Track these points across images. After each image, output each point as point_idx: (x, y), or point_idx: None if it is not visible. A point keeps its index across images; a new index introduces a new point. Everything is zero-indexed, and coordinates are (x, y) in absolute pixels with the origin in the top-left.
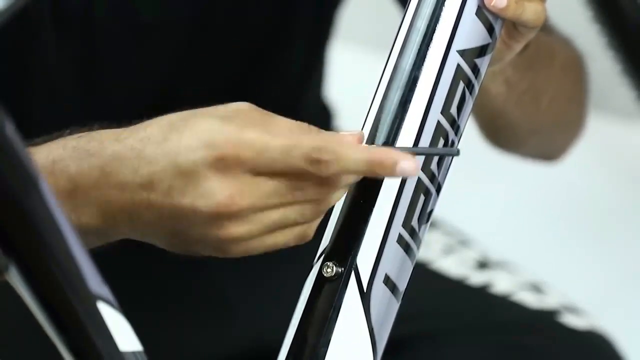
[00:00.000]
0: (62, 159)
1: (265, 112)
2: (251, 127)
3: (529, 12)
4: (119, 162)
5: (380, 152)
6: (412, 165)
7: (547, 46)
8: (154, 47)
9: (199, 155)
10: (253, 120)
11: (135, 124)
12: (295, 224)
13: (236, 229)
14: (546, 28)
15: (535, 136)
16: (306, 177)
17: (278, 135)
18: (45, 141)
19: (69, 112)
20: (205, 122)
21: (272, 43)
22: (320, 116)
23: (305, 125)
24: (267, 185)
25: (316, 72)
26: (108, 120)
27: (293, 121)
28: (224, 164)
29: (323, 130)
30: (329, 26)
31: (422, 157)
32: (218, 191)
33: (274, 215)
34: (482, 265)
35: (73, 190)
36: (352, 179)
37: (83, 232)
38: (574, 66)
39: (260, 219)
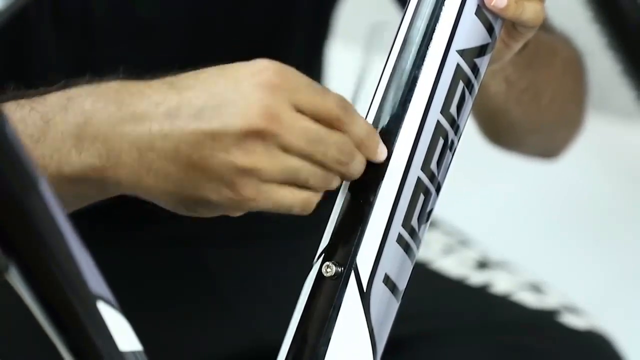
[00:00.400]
0: (79, 95)
1: None
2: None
3: (529, 12)
4: (141, 96)
5: (374, 132)
6: (384, 154)
7: (548, 45)
8: (153, 46)
9: (246, 72)
10: None
11: None
12: (305, 183)
13: (259, 159)
14: (546, 27)
15: (535, 134)
16: (331, 137)
17: None
18: (62, 88)
19: None
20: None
21: (271, 43)
22: None
23: None
24: (301, 123)
25: (315, 71)
26: None
27: None
28: (271, 86)
29: None
30: (328, 25)
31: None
32: (257, 107)
33: (292, 162)
34: (482, 265)
35: (83, 123)
36: (355, 163)
37: (80, 179)
38: (574, 64)
39: (281, 160)
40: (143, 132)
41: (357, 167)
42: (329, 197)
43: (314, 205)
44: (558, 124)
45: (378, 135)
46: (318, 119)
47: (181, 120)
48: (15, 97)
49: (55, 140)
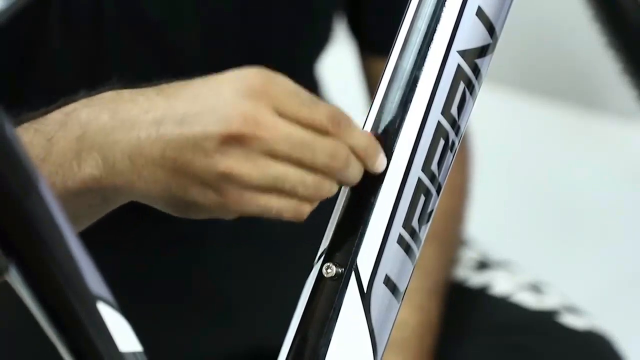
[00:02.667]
0: (76, 108)
1: None
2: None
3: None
4: (133, 104)
5: (377, 145)
6: (383, 165)
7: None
8: (163, 47)
9: (229, 79)
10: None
11: None
12: (293, 191)
13: (239, 164)
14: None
15: None
16: (319, 141)
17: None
18: (61, 105)
19: None
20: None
21: (282, 43)
22: None
23: None
24: (283, 128)
25: (317, 75)
26: None
27: None
28: (252, 92)
29: None
30: (334, 29)
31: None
32: (237, 112)
33: (278, 168)
34: (482, 265)
35: (81, 135)
36: (352, 168)
37: (83, 191)
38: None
39: (264, 166)
40: (132, 138)
41: (354, 174)
42: (330, 198)
43: (306, 214)
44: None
45: (378, 145)
46: (305, 127)
47: (166, 127)
48: (19, 122)
49: (58, 157)
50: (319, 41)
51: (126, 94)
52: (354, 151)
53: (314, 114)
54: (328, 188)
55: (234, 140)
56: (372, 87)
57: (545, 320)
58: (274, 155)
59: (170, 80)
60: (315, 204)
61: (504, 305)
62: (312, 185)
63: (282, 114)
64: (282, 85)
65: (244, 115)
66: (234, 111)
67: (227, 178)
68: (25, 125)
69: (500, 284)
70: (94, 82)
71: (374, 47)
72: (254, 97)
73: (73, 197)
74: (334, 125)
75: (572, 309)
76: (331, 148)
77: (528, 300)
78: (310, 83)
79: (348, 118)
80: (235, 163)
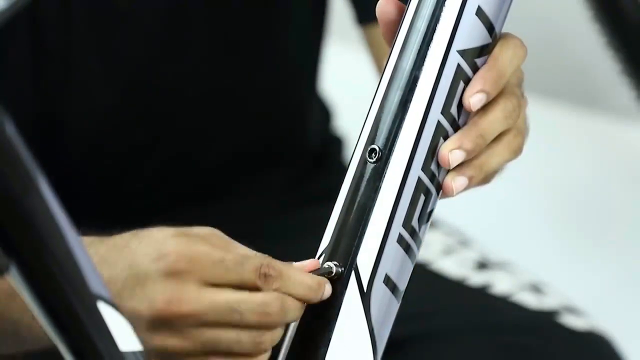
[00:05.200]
0: None
1: (227, 237)
2: (204, 242)
3: (496, 158)
4: None
5: (318, 281)
6: (329, 293)
7: None
8: (131, 37)
9: (153, 262)
10: (211, 241)
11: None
12: (229, 351)
13: (170, 341)
14: None
15: None
16: (247, 302)
17: (230, 251)
18: None
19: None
20: (162, 232)
21: (253, 35)
22: (319, 115)
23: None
24: (207, 299)
25: (307, 71)
26: (81, 105)
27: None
28: (175, 272)
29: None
30: (320, 22)
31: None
32: (159, 296)
33: (208, 335)
34: (482, 265)
35: None
36: (290, 314)
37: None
38: None
39: (194, 336)
40: None
41: (293, 317)
42: (329, 198)
43: None
44: None
45: (314, 280)
46: (236, 288)
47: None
48: None
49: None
50: (306, 32)
51: None
52: (291, 295)
53: (241, 274)
54: (269, 338)
55: (160, 321)
56: (376, 55)
57: (545, 320)
58: (201, 324)
59: None
60: (267, 354)
61: (504, 305)
62: (248, 341)
63: (208, 283)
64: (204, 255)
65: (167, 297)
66: (157, 294)
67: (162, 349)
68: None
69: (500, 284)
70: (65, 73)
71: (370, 14)
72: (177, 276)
73: None
74: (261, 280)
75: (572, 309)
76: (261, 305)
77: (528, 300)
78: (309, 77)
79: (278, 267)
80: (166, 339)
